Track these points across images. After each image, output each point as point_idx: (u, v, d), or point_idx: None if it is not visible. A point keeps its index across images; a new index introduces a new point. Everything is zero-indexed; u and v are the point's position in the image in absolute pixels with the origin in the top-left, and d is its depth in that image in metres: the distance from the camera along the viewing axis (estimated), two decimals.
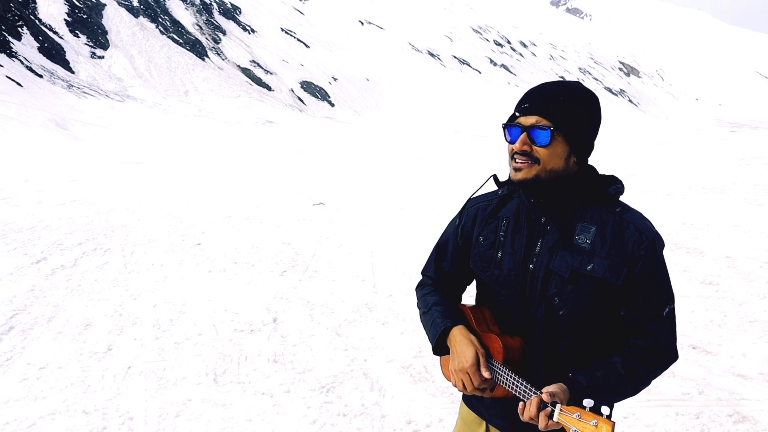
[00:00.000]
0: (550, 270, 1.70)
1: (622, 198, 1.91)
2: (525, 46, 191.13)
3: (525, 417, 1.55)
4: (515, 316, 1.78)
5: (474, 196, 1.98)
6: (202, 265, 7.61)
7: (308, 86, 77.42)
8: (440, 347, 1.84)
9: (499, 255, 1.80)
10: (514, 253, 1.77)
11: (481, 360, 1.70)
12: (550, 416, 1.49)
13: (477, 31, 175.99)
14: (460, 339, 1.75)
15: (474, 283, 2.01)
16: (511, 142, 1.70)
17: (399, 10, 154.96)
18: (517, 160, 1.69)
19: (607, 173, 1.80)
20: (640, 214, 1.73)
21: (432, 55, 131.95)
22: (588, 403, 1.45)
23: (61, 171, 16.62)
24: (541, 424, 1.50)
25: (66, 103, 36.78)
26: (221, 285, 6.76)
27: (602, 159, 22.53)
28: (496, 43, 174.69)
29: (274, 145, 31.57)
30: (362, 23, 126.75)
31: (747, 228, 9.66)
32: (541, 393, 1.54)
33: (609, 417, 1.41)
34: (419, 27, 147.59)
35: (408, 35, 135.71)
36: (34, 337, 5.05)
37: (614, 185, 1.74)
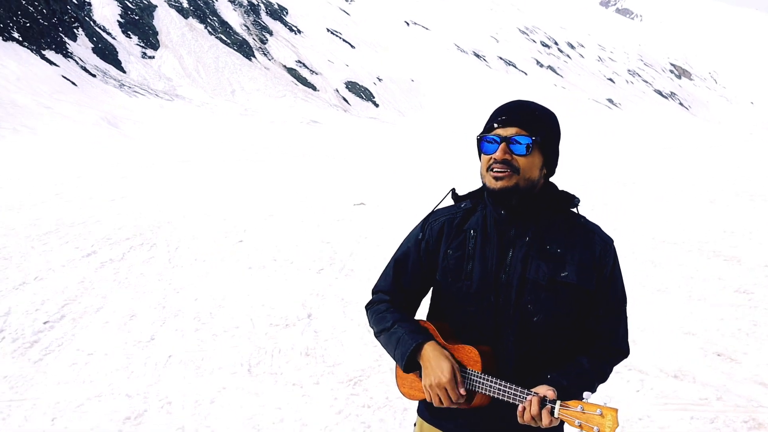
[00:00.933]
0: (526, 278, 1.76)
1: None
2: (572, 47, 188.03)
3: (526, 418, 1.61)
4: (487, 327, 1.81)
5: (436, 209, 2.00)
6: (243, 261, 7.90)
7: (353, 86, 78.02)
8: (411, 364, 1.83)
9: (470, 267, 1.83)
10: (485, 264, 1.81)
11: (458, 375, 1.73)
12: (551, 413, 1.57)
13: (524, 32, 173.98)
14: (434, 354, 1.76)
15: (428, 298, 2.04)
16: (489, 153, 1.78)
17: (445, 10, 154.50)
18: (496, 170, 1.76)
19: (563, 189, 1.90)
20: (598, 225, 1.87)
21: (477, 56, 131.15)
22: (587, 395, 1.53)
23: (112, 168, 17.26)
24: (545, 422, 1.57)
25: (117, 102, 37.96)
26: (260, 281, 7.02)
27: (653, 162, 22.15)
28: (543, 44, 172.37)
29: (318, 144, 31.98)
30: (408, 24, 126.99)
31: None
32: (536, 393, 1.62)
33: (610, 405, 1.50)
34: (465, 28, 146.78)
35: (453, 36, 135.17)
36: (83, 325, 5.39)
37: (574, 198, 1.85)
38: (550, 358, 1.81)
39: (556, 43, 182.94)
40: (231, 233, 9.58)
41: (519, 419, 1.63)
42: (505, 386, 1.67)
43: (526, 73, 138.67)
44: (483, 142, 1.80)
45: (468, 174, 19.38)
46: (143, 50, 54.89)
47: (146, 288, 6.57)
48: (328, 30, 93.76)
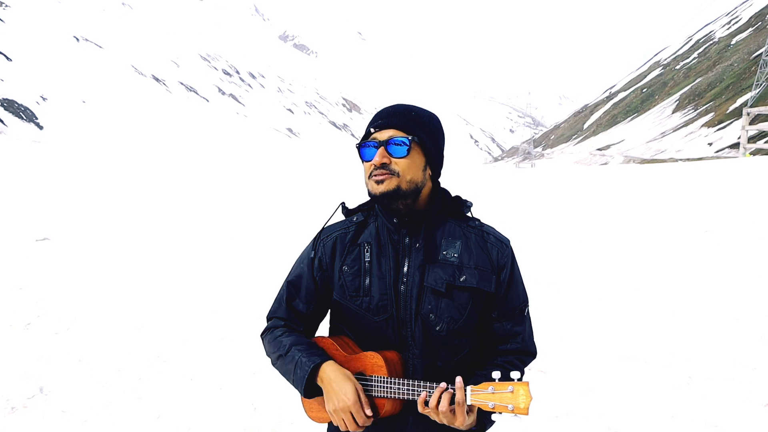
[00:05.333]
0: (424, 287, 1.72)
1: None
2: (254, 77, 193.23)
3: (441, 406, 1.54)
4: (390, 340, 1.76)
5: (326, 226, 1.94)
6: None
7: (10, 105, 68.43)
8: (310, 388, 1.74)
9: (367, 281, 1.77)
10: (382, 276, 1.76)
11: (362, 396, 1.66)
12: (465, 399, 1.53)
13: (205, 59, 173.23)
14: (334, 376, 1.68)
15: (327, 318, 1.96)
16: (368, 159, 1.74)
17: (120, 29, 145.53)
18: (376, 175, 1.71)
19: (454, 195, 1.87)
20: (493, 227, 1.86)
21: (157, 79, 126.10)
22: (496, 375, 1.48)
23: None
24: (459, 414, 1.53)
25: None
26: None
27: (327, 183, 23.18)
28: (225, 72, 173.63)
29: None
30: (78, 39, 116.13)
31: None
32: (444, 384, 1.57)
33: (520, 380, 1.48)
34: (143, 50, 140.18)
35: (131, 57, 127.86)
36: None
37: (466, 202, 1.83)
38: (455, 368, 1.77)
39: (237, 72, 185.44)
40: None
41: (420, 409, 1.58)
42: (412, 385, 1.60)
43: (208, 100, 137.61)
44: (362, 150, 1.76)
45: (153, 200, 17.74)
46: None
47: None
48: None
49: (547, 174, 37.80)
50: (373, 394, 1.68)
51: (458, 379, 1.53)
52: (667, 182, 22.71)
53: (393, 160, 1.70)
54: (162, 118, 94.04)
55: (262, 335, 1.93)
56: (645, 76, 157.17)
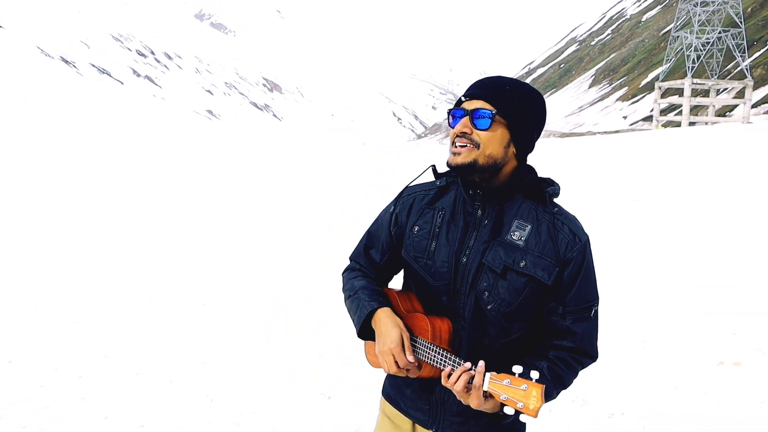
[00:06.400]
0: (483, 263, 1.72)
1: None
2: (170, 57, 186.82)
3: (456, 385, 1.59)
4: (444, 307, 1.79)
5: (411, 184, 1.97)
6: None
7: None
8: (365, 330, 1.83)
9: (434, 246, 1.81)
10: (448, 244, 1.78)
11: (406, 342, 1.72)
12: (483, 384, 1.55)
13: (118, 39, 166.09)
14: (385, 320, 1.76)
15: (401, 272, 2.01)
16: (453, 126, 1.76)
17: (23, 8, 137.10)
18: (457, 144, 1.73)
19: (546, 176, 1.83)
20: (574, 216, 1.79)
21: (66, 62, 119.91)
22: (517, 369, 1.49)
23: None
24: (474, 396, 1.56)
25: None
26: None
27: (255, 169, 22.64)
28: (139, 53, 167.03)
29: None
30: None
31: None
32: (469, 364, 1.60)
33: (539, 381, 1.48)
34: (50, 30, 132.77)
35: (36, 38, 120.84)
36: None
37: (552, 186, 1.78)
38: (503, 348, 1.78)
39: (153, 53, 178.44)
40: None
41: (443, 382, 1.63)
42: (445, 356, 1.65)
43: (122, 83, 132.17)
44: (451, 117, 1.79)
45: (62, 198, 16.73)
46: None
47: None
48: None
49: None
50: (416, 354, 1.75)
51: (480, 363, 1.56)
52: (590, 154, 23.44)
53: (475, 131, 1.70)
54: (74, 102, 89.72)
55: (342, 273, 2.06)
56: (562, 52, 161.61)
